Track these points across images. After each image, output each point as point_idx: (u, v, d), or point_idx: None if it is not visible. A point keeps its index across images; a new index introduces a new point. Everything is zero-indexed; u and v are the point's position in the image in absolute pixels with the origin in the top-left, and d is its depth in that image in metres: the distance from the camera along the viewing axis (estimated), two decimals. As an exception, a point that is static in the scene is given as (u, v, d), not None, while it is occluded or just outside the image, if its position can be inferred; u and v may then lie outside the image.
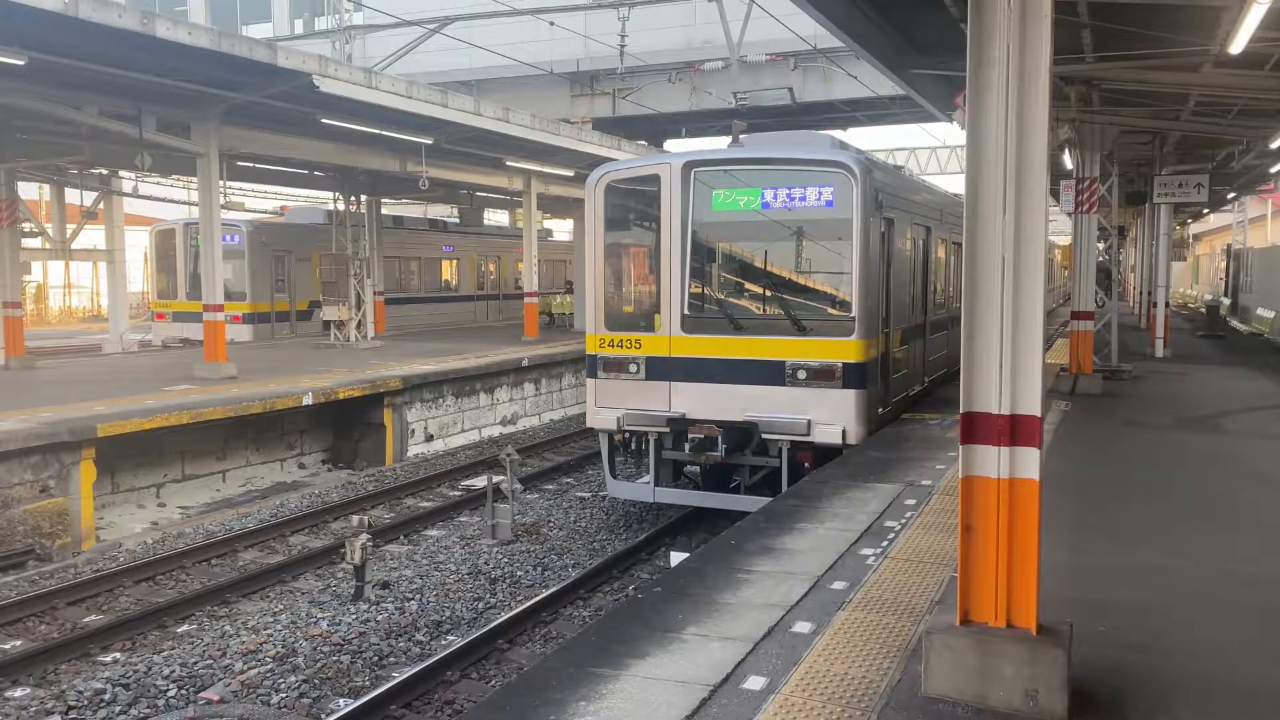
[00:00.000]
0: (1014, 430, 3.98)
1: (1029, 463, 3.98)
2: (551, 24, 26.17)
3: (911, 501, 7.63)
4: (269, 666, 7.86)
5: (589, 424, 11.28)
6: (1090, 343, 14.94)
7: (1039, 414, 3.97)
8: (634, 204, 11.21)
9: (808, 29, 20.81)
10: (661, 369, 10.61)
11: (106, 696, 7.42)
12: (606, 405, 10.92)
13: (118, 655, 8.36)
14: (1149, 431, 11.03)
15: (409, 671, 7.56)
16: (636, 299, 11.42)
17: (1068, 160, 17.40)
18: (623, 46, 25.97)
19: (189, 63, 13.24)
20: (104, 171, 21.79)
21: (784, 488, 9.64)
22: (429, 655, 8.11)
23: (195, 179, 17.41)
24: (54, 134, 17.38)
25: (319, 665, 7.88)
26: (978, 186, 4.02)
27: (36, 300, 41.55)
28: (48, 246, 21.56)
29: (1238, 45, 8.99)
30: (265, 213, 32.13)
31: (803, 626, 4.96)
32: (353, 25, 32.16)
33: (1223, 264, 43.46)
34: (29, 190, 27.49)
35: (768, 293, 10.67)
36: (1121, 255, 31.36)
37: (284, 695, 7.40)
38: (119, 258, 24.63)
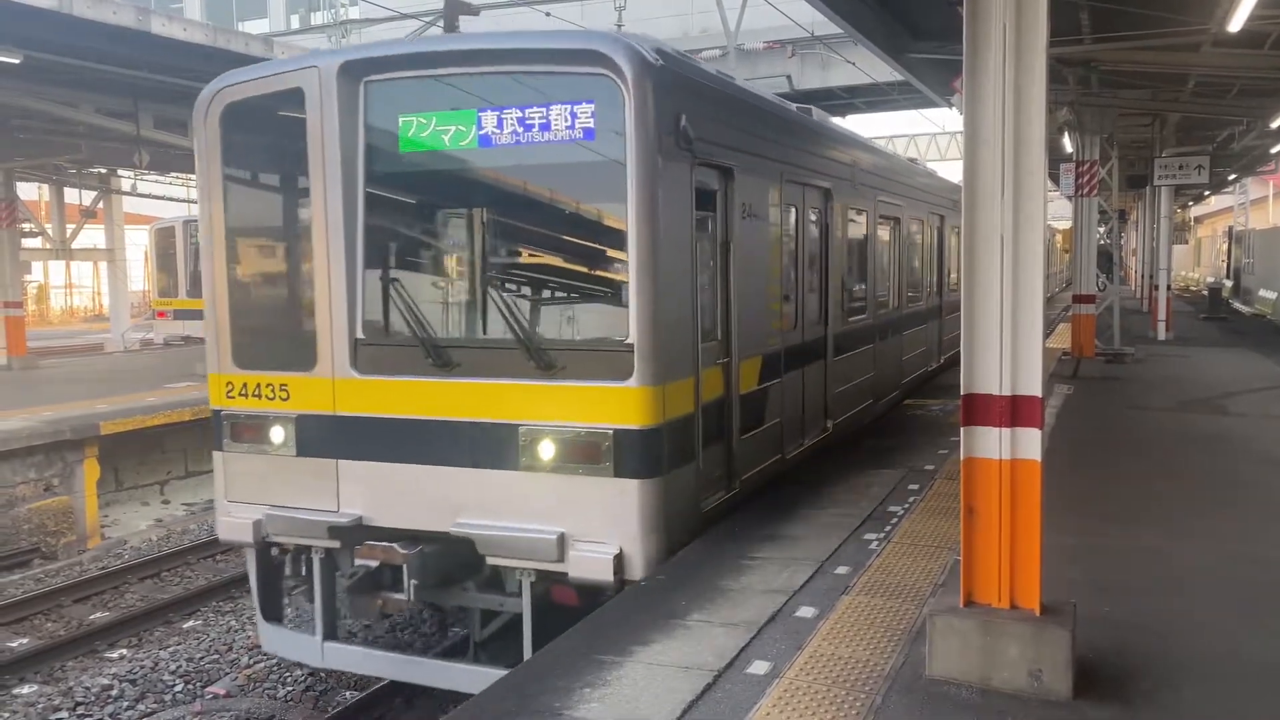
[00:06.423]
0: (1015, 411, 3.97)
1: (1030, 443, 3.97)
2: (548, 14, 26.08)
3: (914, 486, 7.62)
4: (275, 660, 7.88)
5: (217, 533, 6.97)
6: (1092, 326, 14.95)
7: (1040, 394, 3.96)
8: (275, 141, 6.73)
9: (805, 16, 20.71)
10: (322, 437, 6.34)
11: (114, 692, 7.46)
12: (241, 499, 6.62)
13: (124, 651, 8.39)
14: (1152, 413, 11.02)
15: (414, 663, 7.54)
16: (284, 312, 6.92)
17: (1067, 144, 17.37)
18: (619, 36, 25.89)
19: (185, 59, 13.21)
20: (102, 170, 21.80)
21: (527, 650, 5.81)
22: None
23: (194, 176, 17.39)
24: (51, 133, 17.37)
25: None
26: (976, 168, 4.01)
27: (38, 300, 41.58)
28: (48, 246, 21.60)
29: (1236, 24, 8.96)
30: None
31: (806, 611, 4.96)
32: (349, 19, 32.10)
33: (1224, 246, 43.39)
34: (28, 190, 27.47)
35: (491, 301, 6.21)
36: (1123, 239, 31.32)
37: (290, 689, 7.43)
38: (119, 256, 24.65)
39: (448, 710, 6.47)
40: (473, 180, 6.25)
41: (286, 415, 6.40)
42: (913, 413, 11.08)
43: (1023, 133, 3.92)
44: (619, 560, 5.65)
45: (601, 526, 5.71)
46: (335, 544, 6.30)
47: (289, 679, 7.55)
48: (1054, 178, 20.69)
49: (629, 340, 5.61)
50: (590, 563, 5.68)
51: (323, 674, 7.61)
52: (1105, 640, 4.45)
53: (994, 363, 3.99)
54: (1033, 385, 3.96)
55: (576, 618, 5.15)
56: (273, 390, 6.47)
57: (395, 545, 6.01)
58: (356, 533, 6.20)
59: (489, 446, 5.91)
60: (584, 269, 6.33)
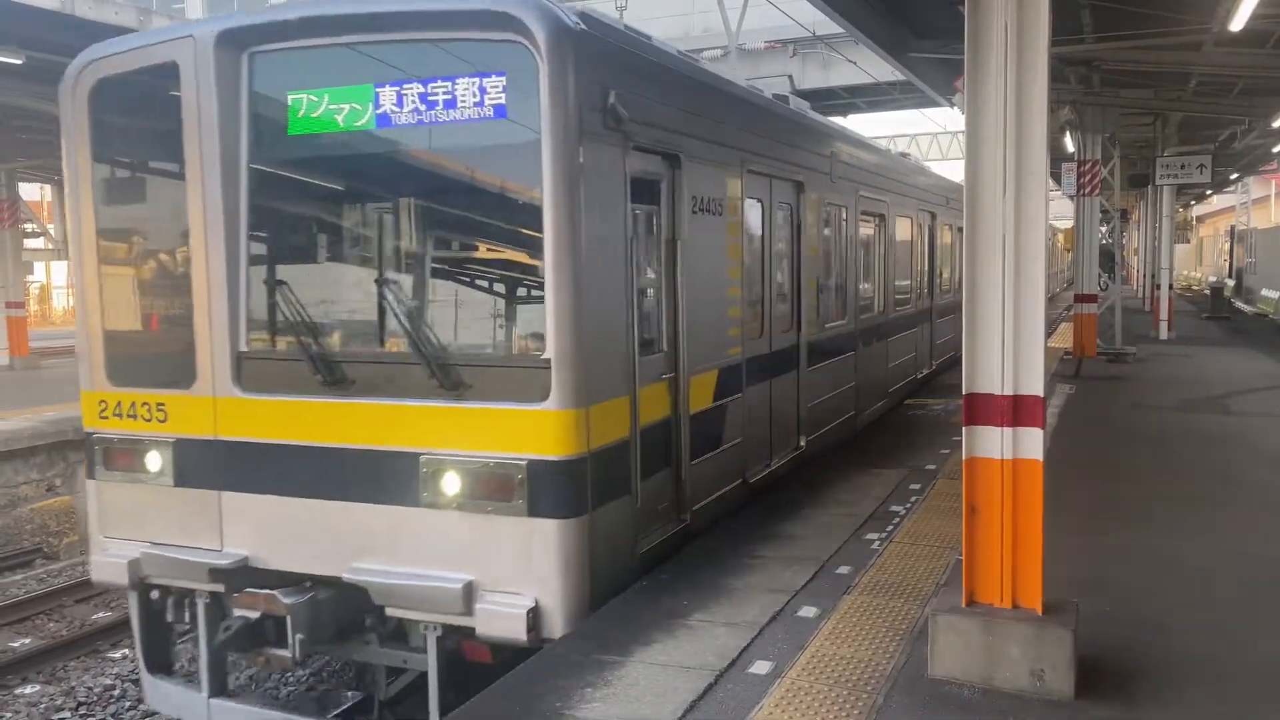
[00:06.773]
0: (1016, 410, 3.97)
1: (1032, 443, 3.97)
2: (549, 15, 26.10)
3: (916, 486, 7.62)
4: (277, 660, 7.89)
5: (90, 574, 6.06)
6: (1094, 326, 14.95)
7: (1041, 394, 3.96)
8: (152, 123, 5.96)
9: (807, 16, 20.71)
10: (203, 465, 5.55)
11: (116, 692, 7.48)
12: (117, 535, 5.84)
13: (126, 651, 8.40)
14: (1154, 413, 11.01)
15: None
16: (162, 320, 6.07)
17: (1069, 143, 17.38)
18: (621, 36, 25.87)
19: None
20: (104, 170, 21.85)
21: (434, 716, 5.10)
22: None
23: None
24: (53, 133, 17.37)
25: (327, 659, 7.90)
26: (977, 167, 4.01)
27: (40, 301, 41.64)
28: (50, 246, 21.63)
29: (1238, 23, 8.97)
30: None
31: (808, 611, 4.96)
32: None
33: (1226, 245, 43.38)
34: (30, 191, 27.52)
35: (388, 309, 5.36)
36: (1124, 238, 31.32)
37: (292, 689, 7.44)
38: (121, 256, 24.68)
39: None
40: (370, 167, 5.44)
41: (164, 439, 5.59)
42: (914, 412, 11.08)
43: (1024, 132, 3.92)
44: (534, 615, 4.80)
45: (514, 574, 4.87)
46: (219, 588, 5.48)
47: (291, 679, 7.56)
48: (1055, 177, 20.71)
49: (545, 355, 4.80)
50: (500, 617, 4.81)
51: (325, 673, 7.61)
52: (1107, 640, 4.45)
53: (996, 362, 3.99)
54: (1035, 385, 3.95)
55: (495, 676, 4.45)
56: (149, 410, 5.67)
57: (277, 593, 5.18)
58: (241, 576, 5.38)
59: (387, 479, 5.09)
60: (495, 271, 5.48)
